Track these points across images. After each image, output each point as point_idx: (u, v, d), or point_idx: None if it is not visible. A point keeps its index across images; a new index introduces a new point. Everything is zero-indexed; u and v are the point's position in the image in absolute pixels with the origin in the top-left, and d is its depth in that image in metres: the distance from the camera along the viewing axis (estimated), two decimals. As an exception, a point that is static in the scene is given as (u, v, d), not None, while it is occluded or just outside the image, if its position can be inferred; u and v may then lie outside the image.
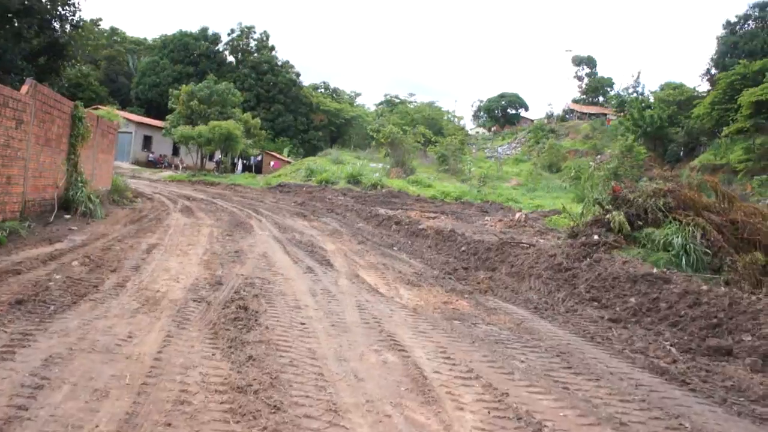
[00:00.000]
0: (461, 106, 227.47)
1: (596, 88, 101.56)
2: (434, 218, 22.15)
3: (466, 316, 7.91)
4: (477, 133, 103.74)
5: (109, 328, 5.80)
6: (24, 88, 12.42)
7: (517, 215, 21.06)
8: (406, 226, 18.56)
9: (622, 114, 70.24)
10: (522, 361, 5.94)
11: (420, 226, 17.91)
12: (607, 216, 12.34)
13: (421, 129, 46.34)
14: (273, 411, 4.08)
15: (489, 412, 4.55)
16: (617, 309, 8.66)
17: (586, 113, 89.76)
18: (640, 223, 12.05)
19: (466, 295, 9.42)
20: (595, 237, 11.90)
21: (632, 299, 8.78)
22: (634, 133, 54.12)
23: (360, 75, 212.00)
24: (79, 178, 15.88)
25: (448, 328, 7.05)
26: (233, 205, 23.87)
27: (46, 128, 13.67)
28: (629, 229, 11.86)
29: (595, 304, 9.13)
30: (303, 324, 6.58)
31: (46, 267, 8.75)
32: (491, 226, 20.96)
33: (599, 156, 59.72)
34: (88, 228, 13.45)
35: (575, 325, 7.95)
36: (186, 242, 12.50)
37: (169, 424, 3.83)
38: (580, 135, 76.51)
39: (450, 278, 11.02)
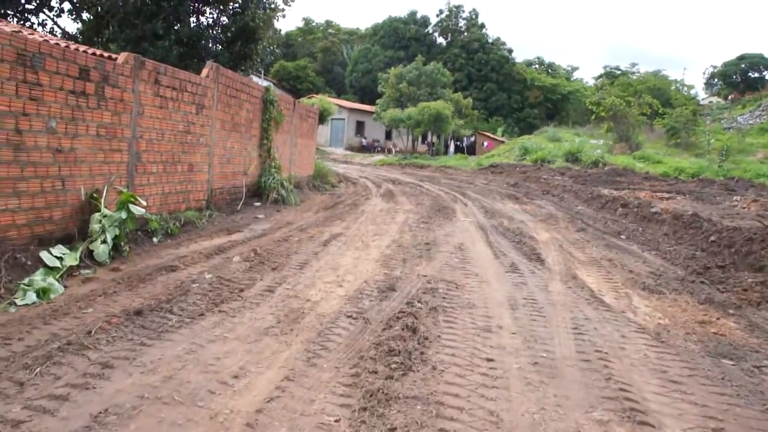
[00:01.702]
0: (691, 74, 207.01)
1: None
2: (668, 199, 18.81)
3: (739, 348, 5.32)
4: (710, 102, 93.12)
5: (218, 359, 4.22)
6: (204, 71, 11.61)
7: (779, 193, 17.09)
8: (635, 209, 15.62)
9: None
10: None
11: (653, 210, 14.90)
12: None
13: (647, 98, 41.48)
14: None
15: None
16: None
17: None
18: None
19: (731, 311, 6.71)
20: None
21: None
22: None
23: (575, 48, 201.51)
24: (272, 164, 15.10)
25: (715, 375, 4.58)
26: (440, 188, 22.29)
27: (232, 113, 12.87)
28: None
29: None
30: (490, 361, 4.51)
31: (206, 262, 7.60)
32: (743, 207, 17.23)
33: None
34: (276, 216, 12.47)
35: None
36: (373, 231, 10.95)
37: None
38: None
39: (702, 282, 8.25)
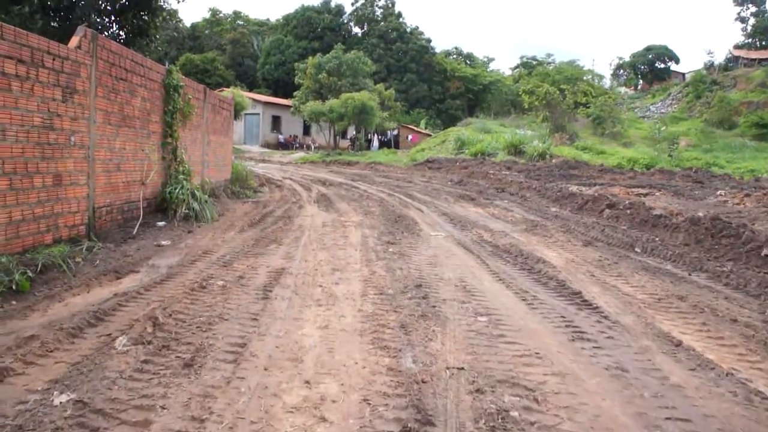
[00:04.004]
0: (599, 66, 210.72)
1: (766, 28, 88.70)
2: (646, 195, 16.42)
3: None
4: (620, 92, 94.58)
5: None
6: (74, 40, 8.04)
7: (777, 186, 14.89)
8: (628, 212, 12.99)
9: (807, 54, 58.26)
10: None
11: (654, 212, 12.27)
12: None
13: (582, 86, 39.54)
14: None
15: None
16: None
17: (755, 59, 78.08)
18: None
19: None
20: None
21: None
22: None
23: (489, 42, 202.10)
24: (180, 169, 11.66)
25: None
26: (378, 188, 19.18)
27: (121, 101, 9.38)
28: None
29: None
30: None
31: (66, 353, 4.30)
32: (737, 203, 14.98)
33: (784, 106, 50.82)
34: (187, 240, 9.07)
35: None
36: (329, 263, 7.71)
37: None
38: (753, 84, 66.07)
39: None
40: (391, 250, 8.70)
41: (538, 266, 7.95)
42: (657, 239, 10.67)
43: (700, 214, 11.79)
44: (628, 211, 13.00)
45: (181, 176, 11.45)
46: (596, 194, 15.22)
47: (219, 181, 15.42)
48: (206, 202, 11.57)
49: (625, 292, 6.78)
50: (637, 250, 9.92)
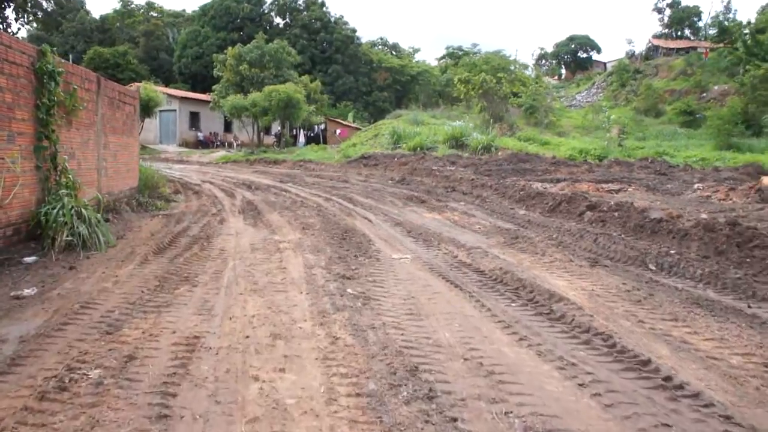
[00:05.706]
0: (522, 56, 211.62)
1: (681, 19, 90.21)
2: (618, 191, 14.60)
3: None
4: (545, 82, 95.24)
5: None
6: None
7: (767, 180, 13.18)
8: (616, 214, 11.02)
9: (722, 44, 58.63)
10: None
11: (651, 215, 10.32)
12: None
13: (519, 74, 37.87)
14: None
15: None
16: None
17: (672, 48, 79.39)
18: None
19: None
20: None
21: None
22: (748, 63, 40.85)
23: (413, 32, 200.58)
24: (62, 181, 8.94)
25: None
26: (312, 191, 16.75)
27: (-36, 90, 6.67)
28: None
29: None
30: None
31: None
32: (722, 199, 13.30)
33: (704, 93, 51.22)
34: (64, 281, 6.50)
35: None
36: (265, 323, 5.25)
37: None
38: (674, 72, 66.78)
39: None
40: (350, 291, 6.29)
41: (557, 308, 5.75)
42: (672, 251, 8.65)
43: (704, 216, 9.95)
44: (616, 214, 11.03)
45: (63, 190, 8.75)
46: (569, 193, 13.21)
47: (122, 191, 12.68)
48: (99, 222, 8.88)
49: (707, 353, 4.64)
50: (651, 267, 7.93)
